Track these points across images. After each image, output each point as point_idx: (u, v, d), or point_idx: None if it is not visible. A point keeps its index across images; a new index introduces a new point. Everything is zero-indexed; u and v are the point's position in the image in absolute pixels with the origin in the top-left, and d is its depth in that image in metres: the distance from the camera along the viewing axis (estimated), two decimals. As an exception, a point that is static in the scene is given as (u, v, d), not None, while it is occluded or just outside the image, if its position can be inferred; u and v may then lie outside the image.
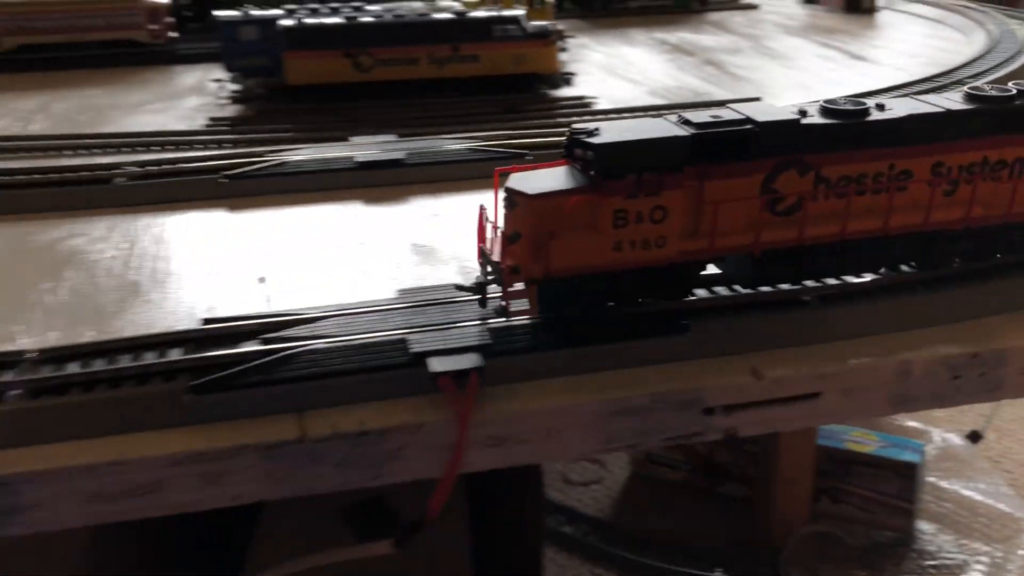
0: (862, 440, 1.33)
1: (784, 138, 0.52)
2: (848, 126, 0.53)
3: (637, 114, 1.02)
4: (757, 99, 1.05)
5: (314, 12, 1.12)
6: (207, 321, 0.55)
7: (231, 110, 1.10)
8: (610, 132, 0.50)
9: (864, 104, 0.55)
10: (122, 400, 0.47)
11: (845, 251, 0.55)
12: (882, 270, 0.59)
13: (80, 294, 0.62)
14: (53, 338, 0.55)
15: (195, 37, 1.48)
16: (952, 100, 0.57)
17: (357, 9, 1.14)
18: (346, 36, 1.06)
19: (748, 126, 0.51)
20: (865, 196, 0.54)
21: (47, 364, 0.49)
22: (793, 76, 1.26)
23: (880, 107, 0.55)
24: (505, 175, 0.51)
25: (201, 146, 0.98)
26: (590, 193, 0.49)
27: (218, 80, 1.19)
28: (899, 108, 0.55)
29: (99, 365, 0.49)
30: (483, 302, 0.52)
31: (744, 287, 0.56)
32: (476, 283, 0.52)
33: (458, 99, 1.09)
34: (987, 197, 0.57)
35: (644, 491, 1.53)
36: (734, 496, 1.43)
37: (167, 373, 0.49)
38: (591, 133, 0.50)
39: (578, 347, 0.52)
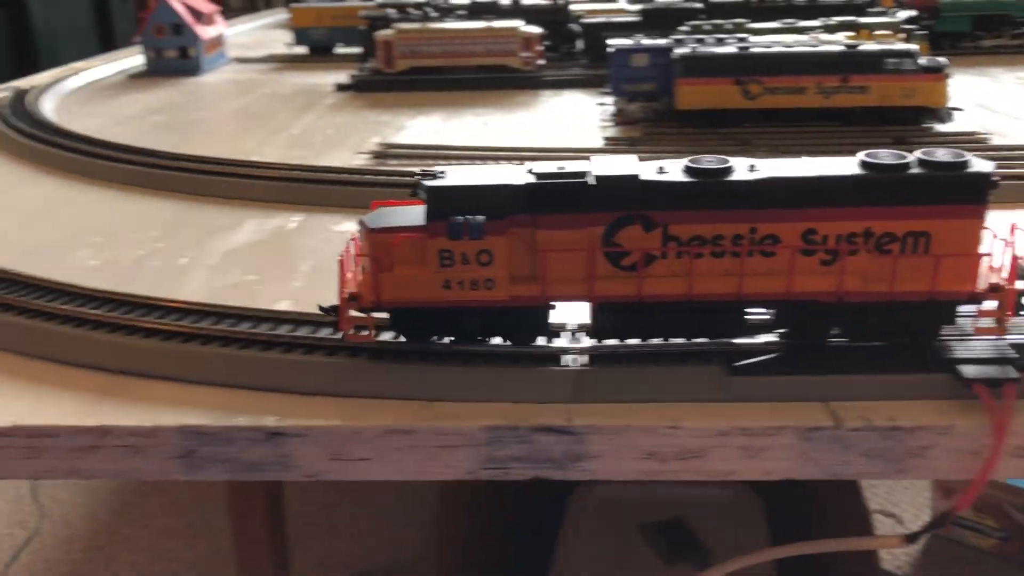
0: None
1: (624, 193, 0.51)
2: (702, 185, 0.51)
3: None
4: None
5: (701, 42, 1.18)
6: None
7: (617, 131, 1.18)
8: (452, 177, 0.53)
9: (727, 163, 0.52)
10: (671, 373, 0.53)
11: (694, 311, 0.53)
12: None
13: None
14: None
15: (555, 65, 1.60)
16: (841, 165, 0.52)
17: (742, 40, 1.18)
18: (737, 65, 1.11)
19: (582, 179, 0.52)
20: (723, 258, 0.52)
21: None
22: None
23: (752, 168, 0.52)
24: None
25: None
26: (418, 232, 0.52)
27: (602, 103, 1.28)
28: (768, 170, 0.52)
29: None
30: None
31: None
32: (331, 305, 0.55)
33: (843, 128, 1.11)
34: (868, 271, 0.51)
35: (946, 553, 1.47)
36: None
37: (703, 355, 0.54)
38: (434, 176, 0.53)
39: None
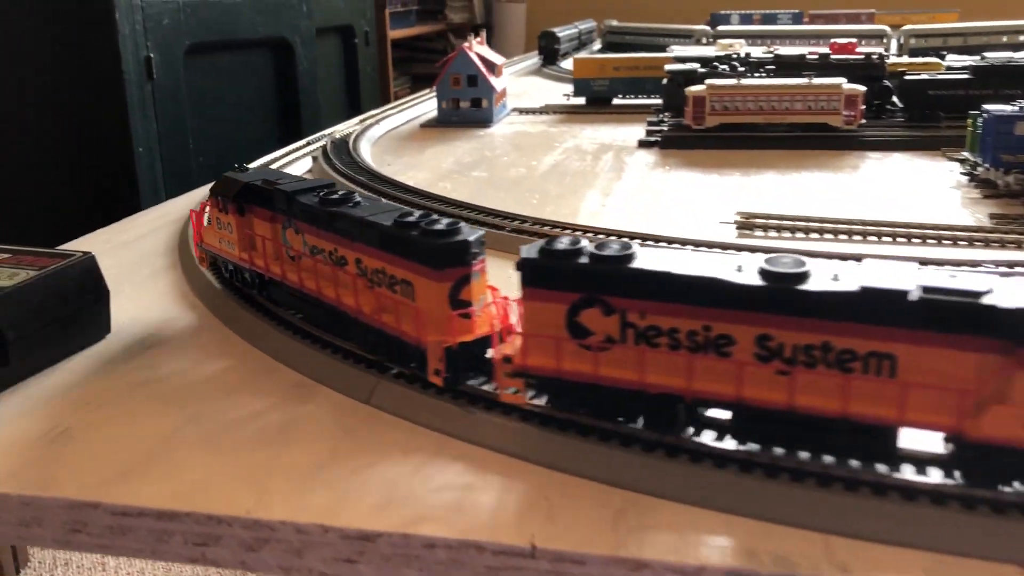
0: None
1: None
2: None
3: None
4: None
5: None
6: None
7: (994, 205, 1.07)
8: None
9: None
10: None
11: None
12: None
13: None
14: None
15: (872, 124, 1.50)
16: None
17: None
18: None
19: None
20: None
21: None
22: None
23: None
24: None
25: (981, 244, 0.95)
26: None
27: (968, 173, 1.17)
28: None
29: None
30: None
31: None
32: None
33: None
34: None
35: None
36: None
37: None
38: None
39: None
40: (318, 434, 0.60)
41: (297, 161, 1.46)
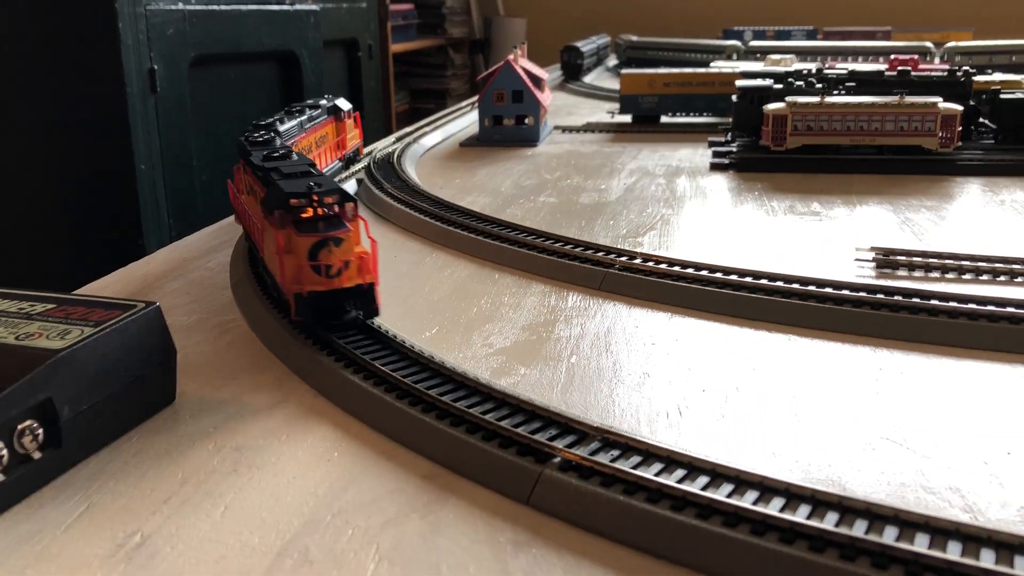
0: None
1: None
2: None
3: None
4: None
5: None
6: None
7: None
8: None
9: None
10: None
11: None
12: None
13: None
14: None
15: (968, 146, 1.38)
16: None
17: None
18: None
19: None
20: None
21: None
22: None
23: None
24: None
25: None
26: None
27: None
28: None
29: None
30: None
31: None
32: None
33: None
34: None
35: None
36: None
37: None
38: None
39: None
40: (472, 557, 0.45)
41: (343, 182, 1.32)
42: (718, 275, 0.82)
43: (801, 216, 1.09)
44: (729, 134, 1.51)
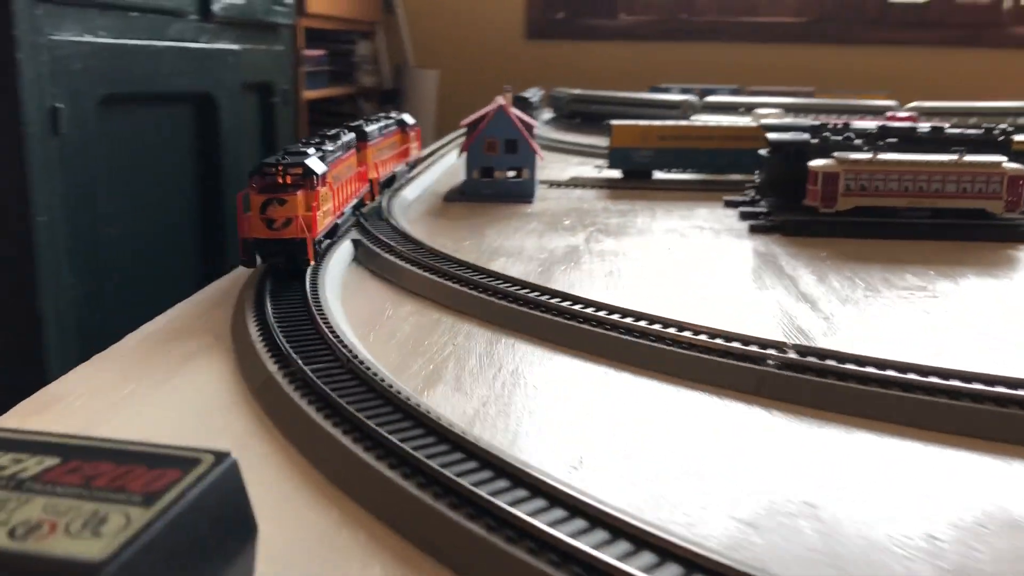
0: None
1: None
2: None
3: None
4: None
5: None
6: None
7: None
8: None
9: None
10: None
11: None
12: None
13: None
14: None
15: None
16: None
17: None
18: None
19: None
20: None
21: None
22: None
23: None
24: None
25: None
26: None
27: None
28: None
29: None
30: None
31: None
32: None
33: None
34: None
35: None
36: None
37: None
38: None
39: None
40: None
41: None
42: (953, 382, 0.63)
43: (911, 292, 0.93)
44: (755, 192, 1.35)
